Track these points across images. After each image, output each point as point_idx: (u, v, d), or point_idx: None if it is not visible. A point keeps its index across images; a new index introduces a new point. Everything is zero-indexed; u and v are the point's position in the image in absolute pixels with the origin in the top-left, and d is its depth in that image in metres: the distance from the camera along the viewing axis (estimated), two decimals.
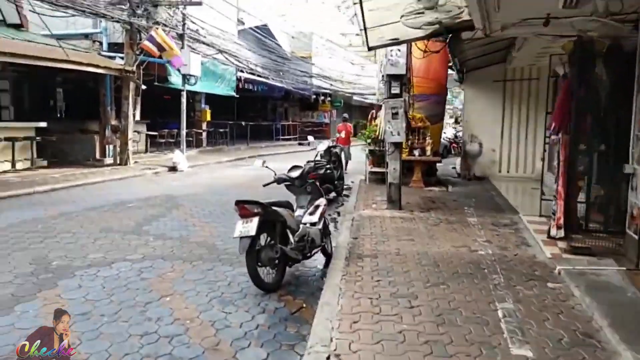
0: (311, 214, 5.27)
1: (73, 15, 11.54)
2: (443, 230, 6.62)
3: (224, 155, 19.02)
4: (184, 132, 15.38)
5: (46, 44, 11.37)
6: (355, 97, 35.32)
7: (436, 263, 5.12)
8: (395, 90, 7.45)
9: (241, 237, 4.38)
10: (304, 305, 4.28)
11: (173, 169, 14.28)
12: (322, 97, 30.53)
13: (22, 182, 10.26)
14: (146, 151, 16.60)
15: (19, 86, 14.66)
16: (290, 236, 4.78)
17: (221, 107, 22.03)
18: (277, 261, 4.60)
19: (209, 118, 20.33)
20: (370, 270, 4.89)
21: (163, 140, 17.26)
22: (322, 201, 5.50)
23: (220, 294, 4.49)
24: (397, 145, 7.81)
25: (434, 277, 4.66)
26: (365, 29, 5.34)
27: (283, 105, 31.87)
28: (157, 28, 12.35)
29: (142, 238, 6.36)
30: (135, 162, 14.70)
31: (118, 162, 13.84)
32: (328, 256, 5.54)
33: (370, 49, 6.43)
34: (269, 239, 4.67)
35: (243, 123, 24.36)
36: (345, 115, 15.05)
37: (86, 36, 14.05)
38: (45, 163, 12.81)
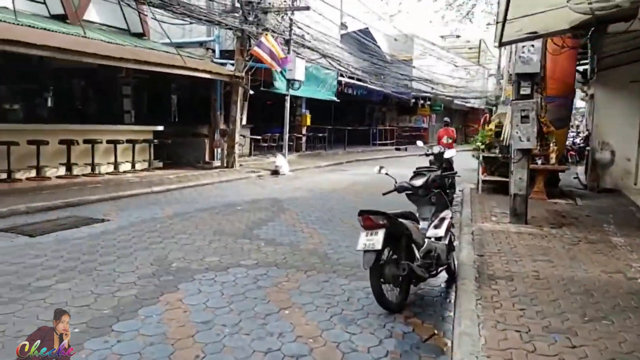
0: (436, 227, 4.77)
1: (191, 23, 12.12)
2: (585, 251, 5.74)
3: (322, 160, 19.01)
4: (286, 136, 15.57)
5: (166, 52, 12.03)
6: (456, 101, 33.86)
7: (589, 292, 4.36)
8: (526, 90, 6.67)
9: (365, 251, 4.02)
10: (436, 332, 3.80)
11: (275, 172, 14.45)
12: (422, 101, 29.60)
13: (141, 182, 10.88)
14: (250, 154, 17.06)
15: (138, 92, 15.78)
16: (416, 251, 4.32)
17: (318, 111, 22.12)
18: (401, 278, 4.18)
19: (309, 123, 20.49)
20: (508, 295, 4.28)
21: (266, 145, 17.63)
22: (447, 213, 4.99)
23: (340, 310, 4.15)
24: (525, 152, 7.00)
25: (592, 310, 3.94)
26: (504, 21, 4.73)
27: (380, 110, 31.44)
28: (266, 34, 12.55)
29: (253, 243, 6.26)
30: (240, 165, 15.10)
31: (225, 164, 14.29)
32: (451, 275, 5.00)
33: (501, 44, 5.77)
34: (391, 253, 4.26)
35: (340, 128, 24.34)
36: (447, 119, 14.31)
37: (200, 44, 14.75)
38: (160, 164, 13.58)
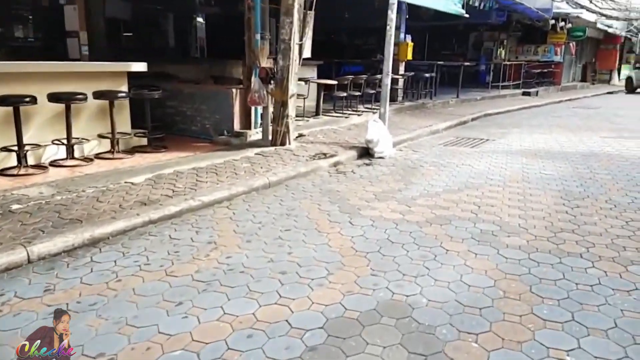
0: None
1: None
2: None
3: (433, 117, 11.56)
4: (388, 80, 8.13)
5: None
6: (599, 24, 24.17)
7: None
8: None
9: None
10: None
11: (367, 153, 7.45)
12: (562, 23, 20.52)
13: (62, 211, 4.25)
14: (317, 113, 9.94)
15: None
16: None
17: None
18: None
19: (410, 56, 12.89)
20: None
21: (344, 95, 10.37)
22: None
23: None
24: None
25: None
26: None
27: (496, 37, 22.57)
28: None
29: None
30: (300, 135, 8.18)
31: (271, 138, 7.37)
32: None
33: None
34: None
35: (451, 65, 16.53)
36: None
37: None
38: (145, 141, 6.88)
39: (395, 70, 12.91)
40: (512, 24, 20.60)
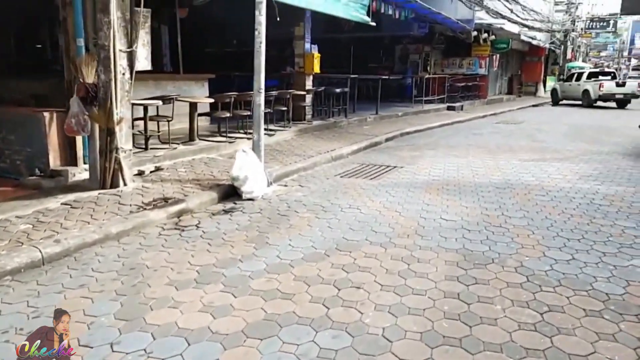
0: None
1: None
2: None
3: (342, 139, 10.13)
4: (260, 99, 6.40)
5: None
6: (523, 36, 24.03)
7: None
8: None
9: None
10: None
11: (235, 192, 5.79)
12: (485, 35, 19.93)
13: None
14: (191, 139, 8.11)
15: None
16: None
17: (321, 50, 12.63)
18: None
19: (317, 69, 11.40)
20: None
21: (227, 115, 8.59)
22: None
23: None
24: None
25: None
26: None
27: (420, 50, 21.73)
28: None
29: None
30: (157, 169, 6.41)
31: (100, 179, 5.51)
32: None
33: None
34: None
35: (371, 78, 15.30)
36: None
37: None
38: None
39: (301, 86, 11.46)
40: (435, 36, 19.85)
